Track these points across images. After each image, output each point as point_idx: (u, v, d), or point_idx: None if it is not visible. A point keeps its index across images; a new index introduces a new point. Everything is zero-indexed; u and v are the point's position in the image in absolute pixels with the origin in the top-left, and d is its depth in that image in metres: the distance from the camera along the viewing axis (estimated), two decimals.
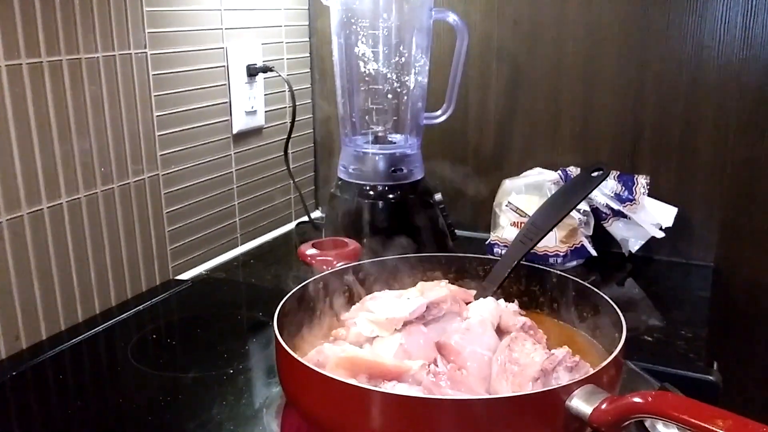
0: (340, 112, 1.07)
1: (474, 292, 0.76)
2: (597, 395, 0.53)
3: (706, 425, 0.46)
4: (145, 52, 0.95)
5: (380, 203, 1.02)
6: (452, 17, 1.03)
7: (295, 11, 1.25)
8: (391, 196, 1.02)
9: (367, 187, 1.02)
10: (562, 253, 1.05)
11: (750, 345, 1.08)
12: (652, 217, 1.06)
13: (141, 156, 0.96)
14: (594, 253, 1.07)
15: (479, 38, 1.16)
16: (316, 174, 1.37)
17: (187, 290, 1.00)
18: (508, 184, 1.12)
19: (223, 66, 1.09)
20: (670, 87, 1.07)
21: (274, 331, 0.63)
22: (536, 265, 0.79)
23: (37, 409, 0.73)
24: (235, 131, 1.13)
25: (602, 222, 1.09)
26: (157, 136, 0.99)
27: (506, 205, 1.09)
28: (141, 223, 0.97)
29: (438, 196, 1.07)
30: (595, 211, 1.09)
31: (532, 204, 1.08)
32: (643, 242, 1.08)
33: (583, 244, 1.06)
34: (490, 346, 0.64)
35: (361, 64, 1.01)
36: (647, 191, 1.07)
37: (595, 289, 0.71)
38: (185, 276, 1.06)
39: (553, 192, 1.07)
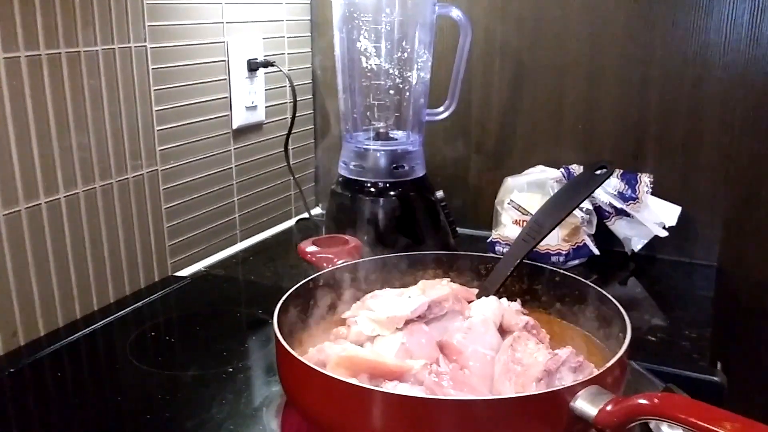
0: (341, 108, 1.06)
1: (476, 290, 0.75)
2: (602, 396, 0.52)
3: (714, 428, 0.45)
4: (145, 46, 0.94)
5: (381, 200, 1.01)
6: (456, 13, 1.02)
7: (296, 5, 1.24)
8: (392, 193, 1.01)
9: (369, 184, 1.01)
10: (564, 252, 1.04)
11: (754, 345, 1.07)
12: (656, 216, 1.05)
13: (140, 151, 0.95)
14: (596, 251, 1.06)
15: (482, 34, 1.15)
16: (316, 170, 1.36)
17: (186, 287, 1.00)
18: (510, 181, 1.11)
19: (224, 60, 1.09)
20: (674, 85, 1.06)
21: (274, 329, 0.62)
22: (539, 264, 0.78)
23: (35, 406, 0.72)
24: (235, 126, 1.12)
25: (605, 220, 1.08)
26: (156, 130, 0.98)
27: (508, 203, 1.09)
28: (140, 218, 0.97)
29: (439, 194, 1.06)
30: (598, 209, 1.08)
31: (534, 202, 1.07)
32: (646, 241, 1.07)
33: (585, 243, 1.06)
34: (492, 345, 0.64)
35: (363, 59, 1.00)
36: (651, 190, 1.06)
37: (599, 289, 0.70)
38: (184, 272, 1.05)
39: (555, 190, 1.07)
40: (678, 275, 1.07)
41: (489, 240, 1.11)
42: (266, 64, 1.14)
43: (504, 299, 0.71)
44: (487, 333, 0.65)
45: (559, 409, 0.52)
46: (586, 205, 1.06)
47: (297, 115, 1.20)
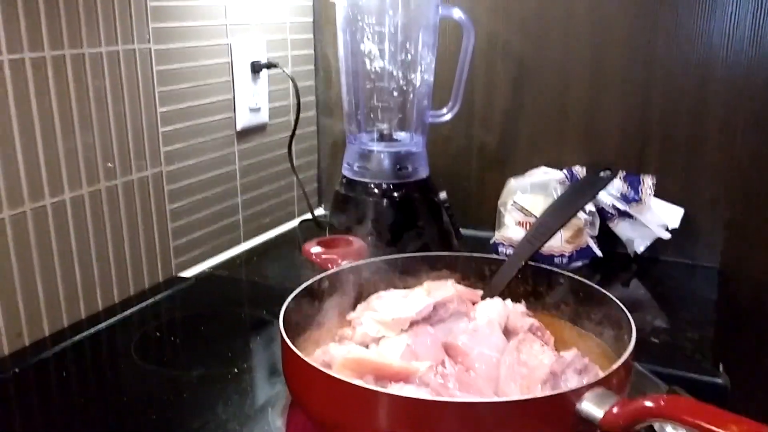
0: (345, 109, 1.07)
1: (481, 292, 0.75)
2: (608, 399, 0.52)
3: (721, 430, 0.45)
4: (149, 47, 0.94)
5: (385, 201, 1.01)
6: (459, 14, 1.02)
7: (299, 6, 1.24)
8: (396, 194, 1.01)
9: (372, 185, 1.02)
10: (567, 254, 1.04)
11: (756, 347, 1.08)
12: (659, 217, 1.05)
13: (144, 152, 0.96)
14: (599, 253, 1.06)
15: (485, 36, 1.15)
16: (319, 171, 1.36)
17: (190, 287, 1.00)
18: (513, 183, 1.12)
19: (227, 62, 1.09)
20: (677, 86, 1.06)
21: (279, 330, 0.63)
22: (544, 266, 0.78)
23: (39, 406, 0.72)
24: (238, 128, 1.13)
25: (608, 222, 1.09)
26: (160, 131, 0.98)
27: (511, 205, 1.09)
28: (144, 219, 0.97)
29: (443, 195, 1.06)
30: (601, 211, 1.08)
31: (537, 203, 1.07)
32: (648, 243, 1.07)
33: (588, 245, 1.06)
34: (498, 347, 0.64)
35: (367, 61, 1.00)
36: (653, 191, 1.06)
37: (604, 291, 0.71)
38: (188, 273, 1.05)
39: (558, 191, 1.07)
40: (680, 277, 1.07)
41: (492, 241, 1.11)
42: (269, 65, 1.14)
43: (509, 301, 0.71)
44: (493, 335, 0.65)
45: (565, 412, 0.52)
46: (589, 206, 1.06)
47: (300, 116, 1.20)
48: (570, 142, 1.15)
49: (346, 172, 1.05)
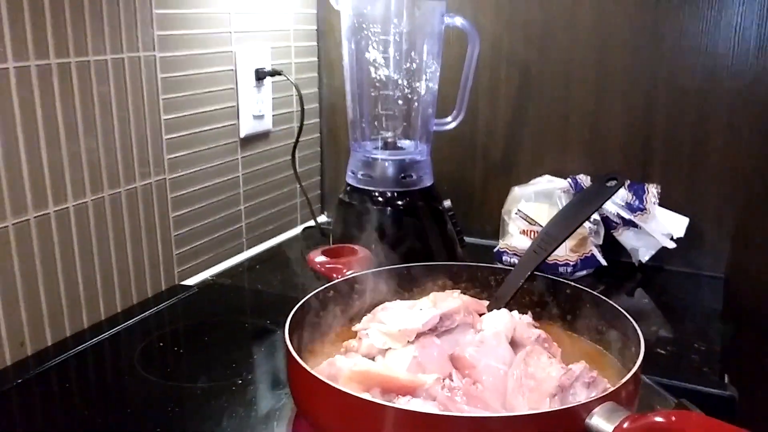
0: (349, 117, 1.06)
1: (486, 302, 0.75)
2: (617, 413, 0.52)
3: None
4: (154, 55, 0.94)
5: (389, 210, 1.01)
6: (464, 23, 1.02)
7: (303, 14, 1.24)
8: (400, 202, 1.01)
9: (376, 194, 1.01)
10: (572, 263, 1.04)
11: (762, 357, 1.07)
12: (663, 227, 1.05)
13: (148, 160, 0.95)
14: (604, 262, 1.06)
15: (489, 45, 1.15)
16: (322, 178, 1.36)
17: (193, 296, 0.99)
18: (517, 191, 1.11)
19: (232, 69, 1.08)
20: (682, 95, 1.06)
21: (285, 342, 0.62)
22: (550, 276, 0.78)
23: (42, 417, 0.72)
24: (242, 135, 1.12)
25: (612, 231, 1.08)
26: (164, 139, 0.98)
27: (515, 213, 1.08)
28: (147, 227, 0.96)
29: (447, 203, 1.06)
30: (606, 220, 1.08)
31: (541, 212, 1.07)
32: (653, 252, 1.07)
33: (593, 254, 1.05)
34: (505, 359, 0.63)
35: (372, 69, 1.00)
36: (658, 200, 1.06)
37: (611, 302, 0.70)
38: (190, 281, 1.05)
39: (562, 200, 1.07)
40: (685, 286, 1.07)
41: (496, 249, 1.10)
42: (273, 73, 1.14)
43: (515, 312, 0.71)
44: (500, 346, 0.64)
45: (575, 426, 0.52)
46: (594, 215, 1.06)
47: (304, 123, 1.20)
48: (574, 151, 1.15)
49: (350, 180, 1.04)
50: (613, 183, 0.75)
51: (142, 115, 0.93)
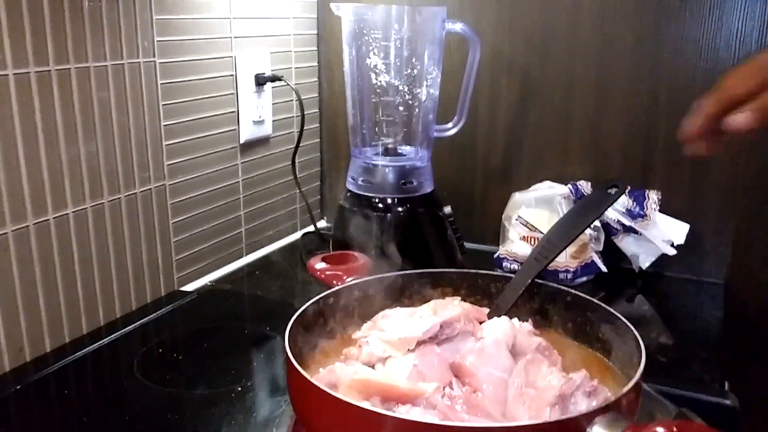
0: (350, 122, 1.06)
1: (487, 310, 0.75)
2: (618, 423, 0.52)
3: None
4: (154, 61, 0.94)
5: (389, 216, 1.01)
6: (465, 29, 1.02)
7: (304, 19, 1.24)
8: (400, 209, 1.01)
9: (377, 200, 1.01)
10: (572, 269, 1.03)
11: (763, 364, 1.07)
12: (664, 233, 1.05)
13: (148, 166, 0.95)
14: (604, 269, 1.06)
15: (490, 51, 1.14)
16: (322, 184, 1.36)
17: (192, 302, 0.99)
18: (517, 197, 1.11)
19: (232, 75, 1.08)
20: (682, 101, 1.05)
21: (285, 349, 0.62)
22: (551, 284, 0.78)
23: (40, 423, 0.72)
24: (242, 141, 1.12)
25: (613, 237, 1.08)
26: (164, 145, 0.97)
27: (516, 219, 1.08)
28: (147, 233, 0.96)
29: (447, 209, 1.06)
30: (606, 226, 1.07)
31: (541, 218, 1.07)
32: (653, 258, 1.07)
33: (593, 260, 1.05)
34: (505, 367, 0.63)
35: (373, 75, 1.00)
36: (659, 207, 1.06)
37: (612, 310, 0.70)
38: (190, 287, 1.05)
39: (563, 206, 1.06)
40: (686, 293, 1.06)
41: (496, 256, 1.10)
42: (274, 78, 1.14)
43: (516, 319, 0.70)
44: (500, 355, 0.64)
45: None
46: (595, 222, 1.06)
47: (304, 128, 1.20)
48: (575, 157, 1.15)
49: (350, 186, 1.04)
50: (614, 190, 0.75)
51: (141, 121, 0.93)
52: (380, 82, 1.00)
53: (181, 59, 0.99)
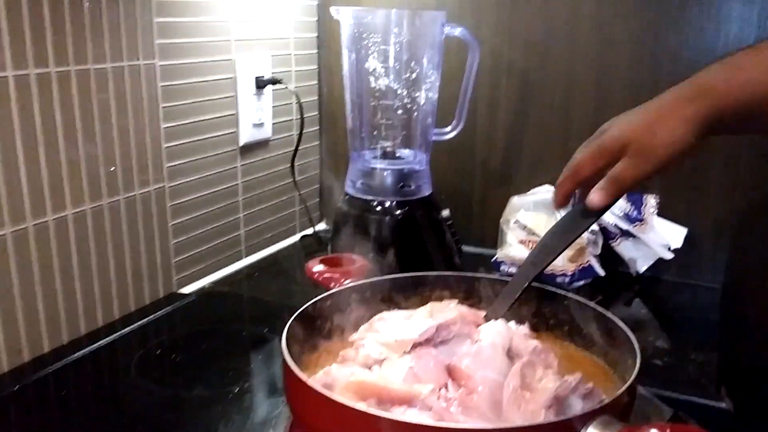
0: (349, 126, 1.07)
1: (484, 313, 0.75)
2: (613, 426, 0.52)
3: None
4: (154, 63, 0.94)
5: (387, 219, 1.01)
6: (464, 33, 1.02)
7: (304, 23, 1.24)
8: (398, 212, 1.01)
9: (375, 203, 1.01)
10: (569, 273, 1.04)
11: (759, 369, 1.07)
12: (662, 237, 1.05)
13: (148, 168, 0.96)
14: (602, 273, 1.06)
15: (489, 53, 1.15)
16: (321, 187, 1.36)
17: (191, 304, 0.99)
18: (516, 201, 1.12)
19: (232, 77, 1.09)
20: None
21: (282, 352, 0.62)
22: (547, 287, 0.78)
23: (39, 424, 0.72)
24: (242, 143, 1.13)
25: (610, 241, 1.08)
26: (164, 147, 0.98)
27: (514, 223, 1.09)
28: (146, 235, 0.96)
29: (446, 213, 1.06)
30: (604, 230, 1.08)
31: (540, 222, 1.07)
32: (651, 262, 1.07)
33: (590, 264, 1.05)
34: (501, 370, 0.63)
35: (372, 79, 1.00)
36: (656, 211, 1.06)
37: (608, 314, 0.70)
38: (189, 289, 1.05)
39: (561, 210, 1.06)
40: (683, 297, 1.07)
41: (494, 259, 1.10)
42: (273, 81, 1.15)
43: (512, 322, 0.71)
44: (496, 357, 0.64)
45: None
46: (593, 225, 1.06)
47: (303, 131, 1.20)
48: None
49: (348, 189, 1.05)
50: None
51: (141, 123, 0.94)
52: (379, 85, 1.00)
53: (182, 62, 0.99)
